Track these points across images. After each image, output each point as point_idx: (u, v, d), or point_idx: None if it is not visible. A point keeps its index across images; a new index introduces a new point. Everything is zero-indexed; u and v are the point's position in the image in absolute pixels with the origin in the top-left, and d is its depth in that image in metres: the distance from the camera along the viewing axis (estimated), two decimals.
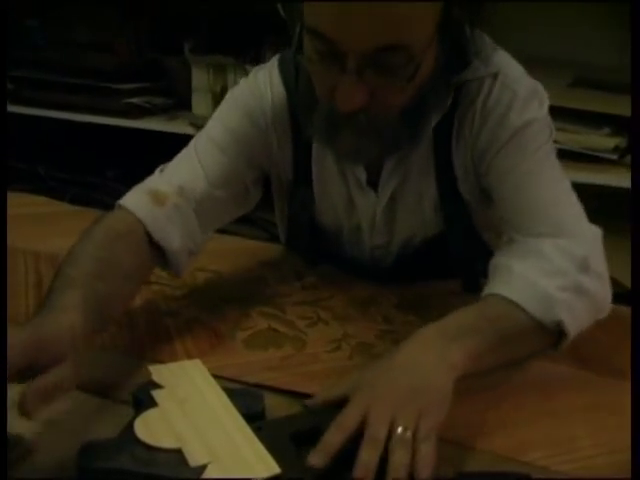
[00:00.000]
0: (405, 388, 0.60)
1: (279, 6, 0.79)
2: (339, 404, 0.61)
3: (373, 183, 0.88)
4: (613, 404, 0.70)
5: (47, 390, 0.57)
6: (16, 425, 0.63)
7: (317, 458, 0.55)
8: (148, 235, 0.78)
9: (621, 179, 1.47)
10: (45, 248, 1.02)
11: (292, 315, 0.86)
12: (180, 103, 1.97)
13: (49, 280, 0.89)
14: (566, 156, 1.46)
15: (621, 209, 1.54)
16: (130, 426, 0.61)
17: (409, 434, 0.56)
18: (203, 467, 0.57)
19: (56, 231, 1.10)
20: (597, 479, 0.59)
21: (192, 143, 0.89)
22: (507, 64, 0.81)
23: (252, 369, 0.74)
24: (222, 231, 1.02)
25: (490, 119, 0.80)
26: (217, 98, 1.69)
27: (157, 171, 0.86)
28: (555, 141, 1.46)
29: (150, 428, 0.61)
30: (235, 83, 0.96)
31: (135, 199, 0.81)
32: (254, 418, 0.64)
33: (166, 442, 0.59)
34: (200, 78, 1.88)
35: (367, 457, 0.54)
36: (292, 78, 0.85)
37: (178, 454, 0.58)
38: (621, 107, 1.51)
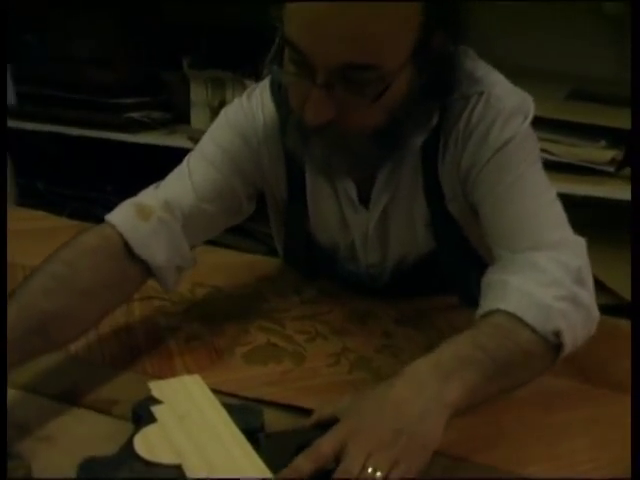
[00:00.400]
0: (389, 429, 0.58)
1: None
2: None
3: (365, 200, 0.88)
4: (612, 417, 0.70)
5: None
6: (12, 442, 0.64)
7: None
8: (128, 248, 0.78)
9: (618, 191, 1.47)
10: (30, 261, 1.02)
11: (291, 330, 0.86)
12: (179, 117, 1.98)
13: None
14: (563, 168, 1.47)
15: (618, 221, 1.55)
16: (130, 442, 0.60)
17: (378, 475, 0.55)
18: None
19: (55, 246, 1.10)
20: (598, 479, 0.59)
21: (185, 160, 0.89)
22: (492, 82, 0.81)
23: (251, 384, 0.74)
24: (221, 245, 1.03)
25: (473, 137, 0.79)
26: (215, 112, 1.68)
27: (151, 187, 0.87)
28: (552, 153, 1.48)
29: (150, 444, 0.60)
30: (234, 97, 0.96)
31: (120, 213, 0.81)
32: (253, 433, 0.64)
33: (165, 458, 0.59)
34: (198, 93, 1.89)
35: None
36: (278, 94, 0.85)
37: (177, 470, 0.58)
38: (618, 120, 1.52)
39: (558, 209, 0.79)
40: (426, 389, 0.61)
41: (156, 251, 0.79)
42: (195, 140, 0.94)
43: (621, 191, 1.46)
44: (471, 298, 0.77)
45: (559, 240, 0.76)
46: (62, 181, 1.97)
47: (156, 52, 1.97)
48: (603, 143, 1.51)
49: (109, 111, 1.92)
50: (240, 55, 1.63)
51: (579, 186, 1.46)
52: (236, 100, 0.92)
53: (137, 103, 1.95)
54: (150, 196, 0.84)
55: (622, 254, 1.51)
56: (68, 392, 0.72)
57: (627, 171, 1.51)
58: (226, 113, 0.91)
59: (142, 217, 0.80)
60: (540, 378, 0.73)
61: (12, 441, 0.64)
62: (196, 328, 0.86)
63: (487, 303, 0.71)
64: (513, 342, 0.67)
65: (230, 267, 1.07)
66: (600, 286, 1.40)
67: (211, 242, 0.96)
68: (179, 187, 0.85)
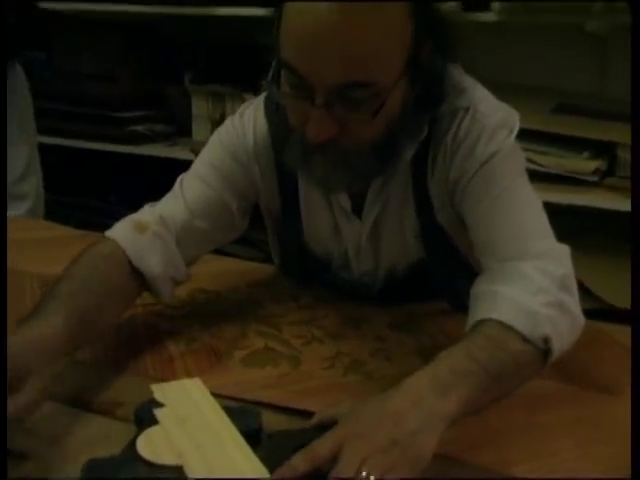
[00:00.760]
0: (386, 438, 0.57)
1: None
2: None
3: (357, 211, 0.89)
4: (597, 418, 0.70)
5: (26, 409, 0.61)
6: (19, 444, 0.64)
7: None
8: (129, 260, 0.80)
9: (601, 200, 1.48)
10: (50, 271, 1.02)
11: (288, 334, 0.86)
12: (181, 130, 1.99)
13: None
14: (549, 179, 1.48)
15: (602, 228, 1.56)
16: (133, 443, 0.60)
17: None
18: None
19: (61, 254, 1.09)
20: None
21: (179, 180, 0.91)
22: (479, 98, 0.82)
23: (250, 387, 0.74)
24: (221, 252, 1.03)
25: (460, 151, 0.80)
26: (216, 125, 1.69)
27: (147, 206, 0.89)
28: (539, 164, 1.49)
29: (152, 445, 0.61)
30: (233, 110, 0.97)
31: (119, 228, 0.84)
32: (252, 435, 0.64)
33: (167, 459, 0.59)
34: (200, 106, 1.89)
35: None
36: (274, 112, 0.85)
37: (179, 470, 0.58)
38: (601, 132, 1.53)
39: (543, 220, 0.79)
40: (424, 402, 0.61)
41: (152, 262, 0.82)
42: (196, 152, 0.95)
43: (604, 200, 1.48)
44: (460, 304, 0.77)
45: (544, 250, 0.76)
46: (68, 191, 1.97)
47: (158, 67, 1.97)
48: (587, 154, 1.52)
49: (113, 124, 1.93)
50: (239, 71, 1.63)
51: (565, 195, 1.47)
52: (228, 120, 0.92)
53: (140, 117, 1.96)
54: (146, 213, 0.87)
55: (606, 260, 1.52)
56: (73, 395, 0.72)
57: (610, 181, 1.52)
58: (218, 133, 0.92)
59: (139, 231, 0.83)
60: None
61: (19, 442, 0.64)
62: (196, 332, 0.86)
63: (478, 313, 0.71)
64: (505, 352, 0.67)
65: (230, 274, 1.07)
66: (585, 291, 1.40)
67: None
68: (173, 204, 0.87)
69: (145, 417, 0.66)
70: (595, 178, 1.52)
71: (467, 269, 0.87)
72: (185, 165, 0.92)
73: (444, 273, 0.92)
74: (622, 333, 0.87)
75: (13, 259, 1.04)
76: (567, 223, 0.81)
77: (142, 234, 0.83)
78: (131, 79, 1.94)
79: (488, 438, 0.66)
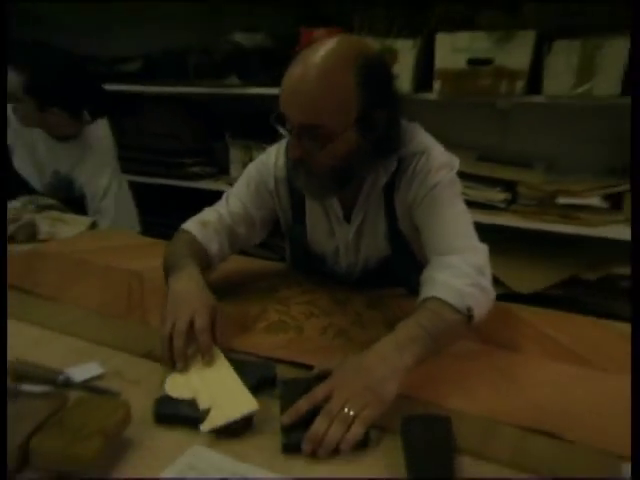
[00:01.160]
0: (363, 385, 0.58)
1: None
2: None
3: (347, 218, 0.89)
4: (505, 367, 0.70)
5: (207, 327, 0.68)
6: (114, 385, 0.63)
7: (286, 418, 0.56)
8: (200, 243, 0.86)
9: (508, 220, 1.48)
10: (132, 267, 1.01)
11: (294, 311, 0.85)
12: (222, 170, 1.97)
13: (137, 287, 0.93)
14: (475, 205, 1.48)
15: (509, 240, 1.55)
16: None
17: (351, 414, 0.55)
18: (208, 410, 0.57)
19: (146, 253, 1.10)
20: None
21: (225, 195, 0.94)
22: (431, 145, 0.83)
23: (268, 348, 0.73)
24: (247, 253, 1.02)
25: (415, 181, 0.81)
26: (246, 166, 1.71)
27: (206, 209, 0.93)
28: (467, 195, 1.49)
29: (175, 386, 0.61)
30: (258, 156, 0.98)
31: (191, 225, 0.89)
32: (269, 381, 0.64)
33: (185, 394, 0.60)
34: (235, 154, 1.89)
35: (318, 426, 0.54)
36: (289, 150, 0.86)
37: (193, 402, 0.59)
38: (506, 174, 1.54)
39: (470, 228, 0.79)
40: (388, 359, 0.61)
41: (212, 246, 0.87)
42: (232, 185, 0.96)
43: (510, 220, 1.48)
44: (414, 290, 0.76)
45: (468, 247, 0.76)
46: (149, 212, 1.97)
47: (208, 129, 1.97)
48: (498, 189, 1.53)
49: (178, 167, 1.92)
50: (261, 130, 1.64)
51: (484, 217, 1.46)
52: (258, 157, 0.94)
53: (196, 162, 1.95)
54: (206, 214, 0.91)
55: (512, 260, 1.52)
56: (148, 351, 0.72)
57: (513, 207, 1.51)
58: (252, 164, 0.94)
59: (203, 226, 0.88)
60: (457, 342, 0.73)
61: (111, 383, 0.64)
62: (230, 309, 0.84)
63: (423, 293, 0.71)
64: (442, 320, 0.67)
65: (254, 269, 1.05)
66: (497, 281, 1.40)
67: (240, 252, 0.97)
68: (222, 211, 0.91)
69: None
70: (503, 205, 1.52)
71: (418, 265, 0.86)
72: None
73: (403, 267, 0.91)
74: (521, 310, 0.87)
75: (113, 258, 1.05)
76: (486, 235, 0.80)
77: (205, 228, 0.87)
78: (190, 137, 1.93)
79: (428, 381, 0.65)
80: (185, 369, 0.64)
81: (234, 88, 1.77)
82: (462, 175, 0.84)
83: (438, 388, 0.64)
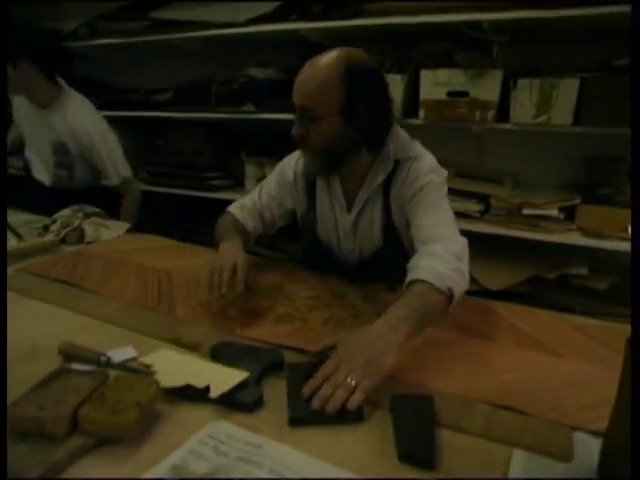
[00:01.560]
0: (363, 358, 0.58)
1: None
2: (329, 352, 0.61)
3: (349, 207, 0.90)
4: (479, 353, 0.70)
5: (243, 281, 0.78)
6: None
7: (307, 389, 0.57)
8: (240, 221, 0.95)
9: (482, 228, 1.48)
10: (161, 265, 1.01)
11: (300, 304, 0.85)
12: (238, 183, 1.97)
13: (166, 283, 0.91)
14: (454, 214, 1.47)
15: (483, 244, 1.55)
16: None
17: (353, 383, 0.56)
18: (207, 386, 0.56)
19: (172, 255, 1.10)
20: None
21: (258, 187, 1.00)
22: (422, 152, 0.86)
23: (277, 336, 0.73)
24: (261, 255, 1.02)
25: (407, 181, 0.83)
26: (259, 181, 1.70)
27: (248, 195, 1.00)
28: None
29: (167, 380, 0.58)
30: (269, 172, 1.02)
31: (234, 207, 0.98)
32: (278, 365, 0.63)
33: (178, 382, 0.58)
34: (250, 170, 1.89)
35: (325, 390, 0.55)
36: None
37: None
38: (481, 188, 1.54)
39: (452, 222, 0.80)
40: (383, 336, 0.61)
41: (249, 224, 0.96)
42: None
43: (484, 228, 1.48)
44: (401, 280, 0.76)
45: (449, 236, 0.77)
46: (175, 219, 1.97)
47: (227, 147, 1.98)
48: (474, 201, 1.53)
49: (200, 180, 1.92)
50: (273, 148, 1.64)
51: (462, 224, 1.40)
52: (285, 158, 1.00)
53: (215, 176, 1.94)
54: (246, 199, 0.99)
55: (485, 261, 1.52)
56: (174, 338, 0.72)
57: (486, 217, 1.50)
58: (279, 165, 0.99)
59: (241, 209, 0.97)
60: (435, 331, 0.72)
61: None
62: (244, 301, 0.83)
63: (410, 276, 0.71)
64: (427, 300, 0.67)
65: (266, 268, 1.05)
66: (472, 279, 1.39)
67: (253, 253, 0.98)
68: (255, 199, 0.98)
69: (216, 354, 0.65)
70: (478, 215, 1.52)
71: (407, 258, 0.86)
72: None
73: (394, 259, 0.89)
74: (495, 305, 0.86)
75: (145, 258, 1.05)
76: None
77: (243, 211, 0.96)
78: (211, 154, 1.93)
79: (414, 366, 0.65)
80: (222, 297, 0.76)
81: (249, 114, 1.77)
82: None
83: (423, 371, 0.64)
